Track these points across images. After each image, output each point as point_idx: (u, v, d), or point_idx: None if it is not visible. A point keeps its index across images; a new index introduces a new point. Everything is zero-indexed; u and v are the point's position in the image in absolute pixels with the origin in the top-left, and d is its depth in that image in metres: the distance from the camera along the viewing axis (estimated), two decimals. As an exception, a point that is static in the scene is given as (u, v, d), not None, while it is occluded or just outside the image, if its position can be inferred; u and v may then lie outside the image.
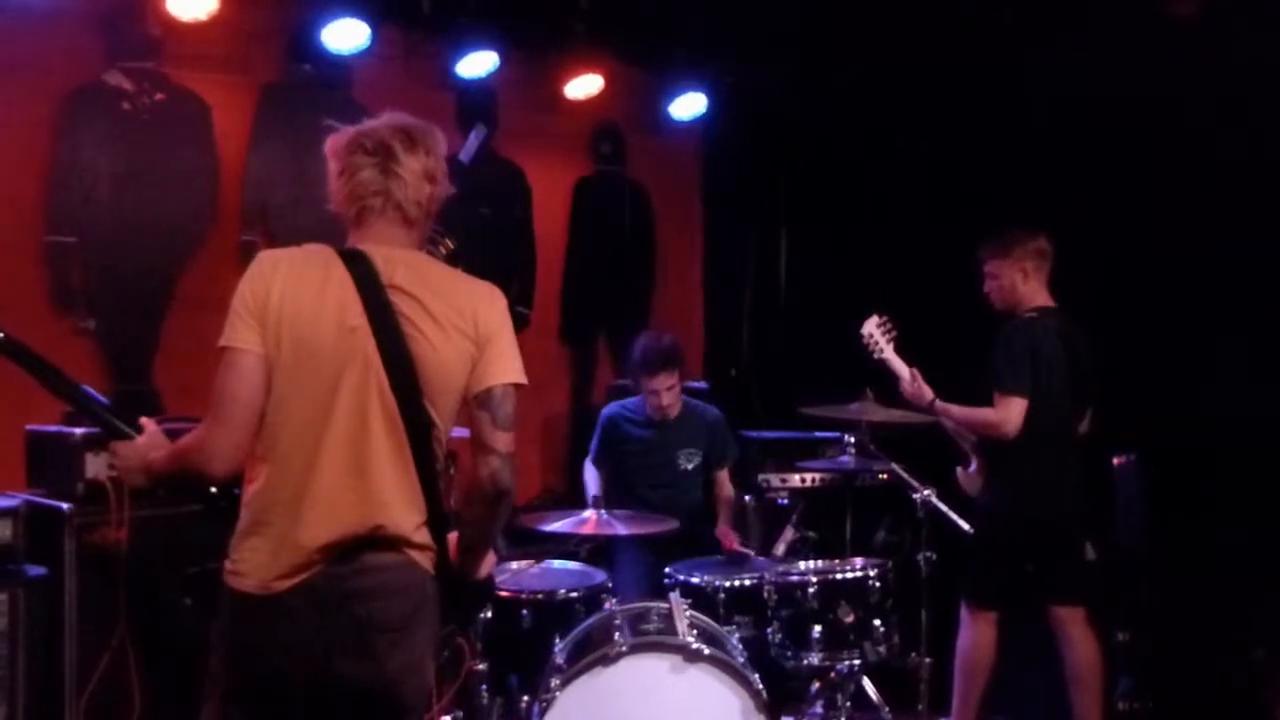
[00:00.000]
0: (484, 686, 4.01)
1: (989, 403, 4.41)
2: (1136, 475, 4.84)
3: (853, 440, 4.85)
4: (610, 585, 4.25)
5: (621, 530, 4.39)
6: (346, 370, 2.49)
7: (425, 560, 2.57)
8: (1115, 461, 4.86)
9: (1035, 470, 4.46)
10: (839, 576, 4.25)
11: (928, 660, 4.53)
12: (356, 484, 2.49)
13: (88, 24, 4.90)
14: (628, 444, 5.21)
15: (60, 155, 4.84)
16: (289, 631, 2.46)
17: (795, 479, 5.60)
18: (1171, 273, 5.08)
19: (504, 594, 4.11)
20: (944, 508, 4.63)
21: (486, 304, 2.62)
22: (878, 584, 4.25)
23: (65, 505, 3.77)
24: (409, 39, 5.76)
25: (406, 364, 2.51)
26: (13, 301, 4.47)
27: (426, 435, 2.55)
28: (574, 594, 4.20)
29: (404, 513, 2.53)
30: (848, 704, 4.28)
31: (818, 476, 5.53)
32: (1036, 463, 4.45)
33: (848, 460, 4.87)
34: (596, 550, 4.72)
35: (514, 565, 4.44)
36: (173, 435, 2.65)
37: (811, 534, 4.67)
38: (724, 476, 5.28)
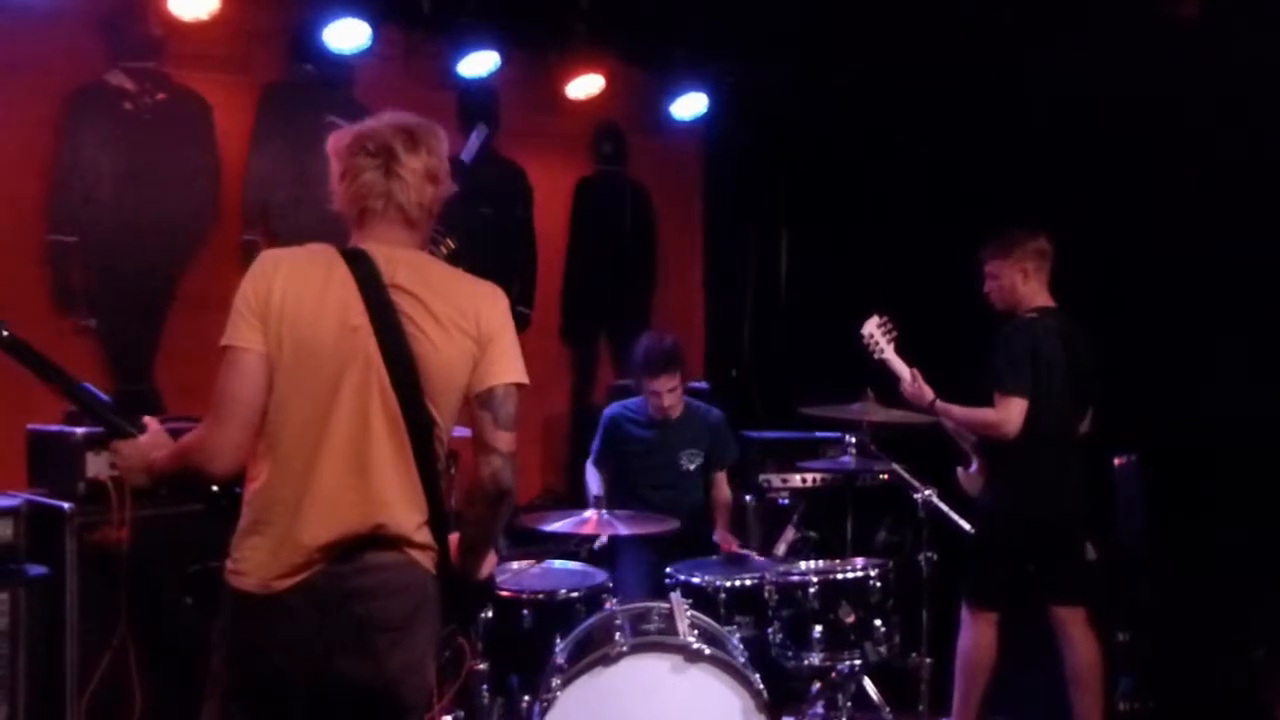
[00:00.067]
0: (485, 686, 4.02)
1: (989, 403, 4.41)
2: (1137, 475, 4.84)
3: (853, 440, 4.85)
4: (611, 585, 4.25)
5: (622, 530, 4.39)
6: (348, 369, 2.49)
7: (426, 560, 2.58)
8: (1116, 462, 4.86)
9: (1035, 470, 4.46)
10: (840, 576, 4.26)
11: (928, 660, 4.53)
12: (357, 483, 2.49)
13: (89, 24, 4.90)
14: (630, 444, 5.21)
15: (62, 155, 4.85)
16: (289, 630, 2.46)
17: (796, 479, 5.61)
18: (1171, 273, 5.08)
19: (505, 594, 4.12)
20: (945, 508, 4.63)
21: (488, 304, 2.62)
22: (878, 584, 4.25)
23: (66, 505, 3.77)
24: (410, 39, 5.76)
25: (408, 363, 2.51)
26: (14, 301, 4.45)
27: (428, 435, 2.55)
28: (575, 594, 4.20)
29: (405, 512, 2.53)
30: (848, 704, 4.28)
31: (818, 477, 5.53)
32: (1037, 463, 4.45)
33: (848, 460, 4.87)
34: (598, 550, 4.72)
35: (515, 565, 4.44)
36: (175, 435, 2.65)
37: (812, 534, 4.68)
38: (722, 478, 5.28)
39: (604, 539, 4.31)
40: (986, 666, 4.56)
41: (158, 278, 5.12)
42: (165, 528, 3.85)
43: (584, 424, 6.30)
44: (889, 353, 4.67)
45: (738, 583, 4.35)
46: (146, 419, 2.72)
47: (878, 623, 4.22)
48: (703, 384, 6.30)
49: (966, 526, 4.60)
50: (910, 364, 4.67)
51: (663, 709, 3.65)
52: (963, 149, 5.82)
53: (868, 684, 4.46)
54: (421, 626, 2.57)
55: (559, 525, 4.40)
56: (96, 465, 3.82)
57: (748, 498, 5.42)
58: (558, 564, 4.59)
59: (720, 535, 4.95)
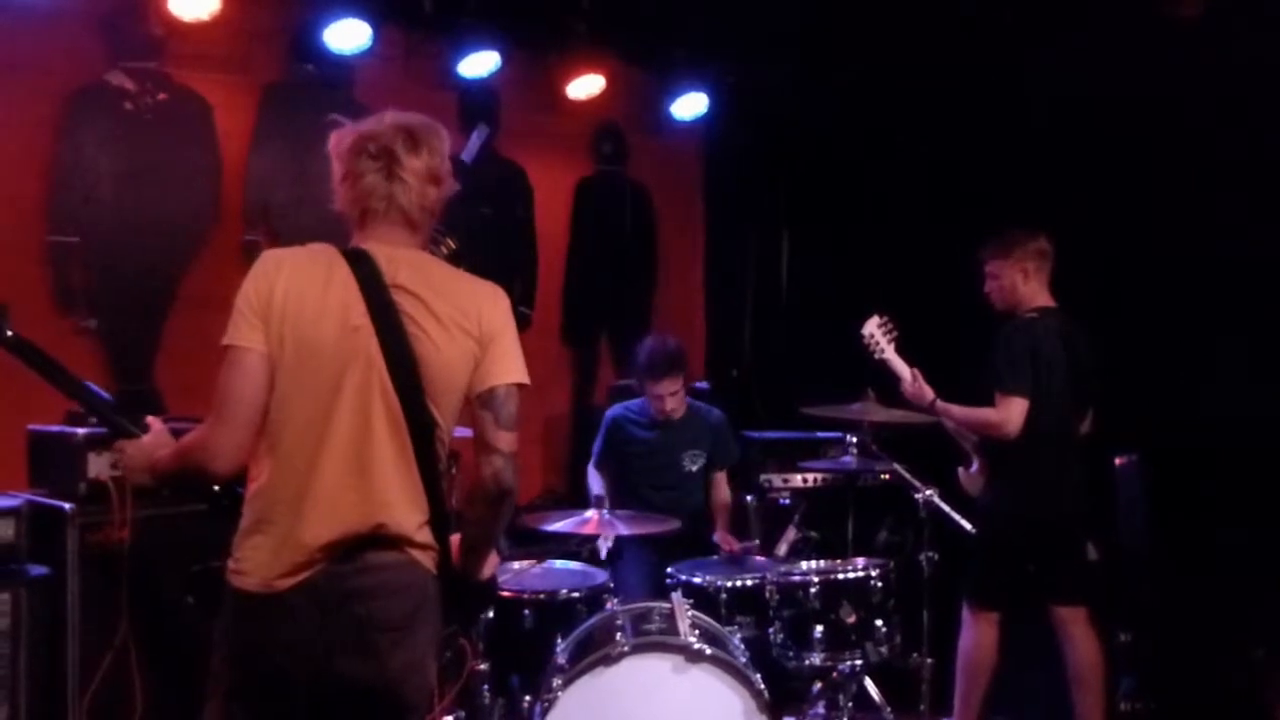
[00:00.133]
0: (486, 686, 4.02)
1: (990, 403, 4.41)
2: (1138, 475, 4.84)
3: (854, 440, 4.86)
4: (612, 585, 4.25)
5: (623, 530, 4.39)
6: (349, 369, 2.49)
7: (427, 560, 2.58)
8: (1117, 462, 4.86)
9: (1036, 470, 4.46)
10: (841, 577, 4.26)
11: (929, 660, 4.54)
12: (358, 483, 2.49)
13: (89, 24, 4.91)
14: (632, 445, 5.22)
15: (62, 155, 4.85)
16: (291, 630, 2.46)
17: (797, 479, 5.61)
18: (1171, 273, 5.08)
19: (506, 594, 4.12)
20: (946, 508, 4.63)
21: (490, 304, 2.62)
22: (879, 584, 4.25)
23: (67, 505, 3.76)
24: (410, 39, 5.77)
25: (409, 363, 2.51)
26: (14, 301, 4.33)
27: (429, 435, 2.55)
28: (576, 594, 4.21)
29: (406, 512, 2.53)
30: (849, 704, 4.29)
31: (819, 477, 5.53)
32: (1037, 463, 4.44)
33: (849, 460, 4.88)
34: (605, 557, 4.69)
35: (516, 565, 4.44)
36: (178, 435, 2.65)
37: (813, 534, 4.68)
38: (721, 479, 5.28)
39: (609, 545, 4.29)
40: (988, 666, 4.55)
41: (158, 278, 5.13)
42: (166, 528, 3.85)
43: (585, 424, 6.30)
44: (889, 353, 4.67)
45: (739, 583, 4.36)
46: (149, 419, 2.73)
47: (879, 623, 4.23)
48: (704, 384, 6.30)
49: (967, 526, 4.61)
50: (911, 364, 4.67)
51: (664, 709, 3.65)
52: (963, 149, 5.82)
53: (869, 684, 4.46)
54: (422, 626, 2.57)
55: (560, 525, 4.40)
56: (98, 465, 3.81)
57: (749, 498, 5.41)
58: (559, 564, 4.59)
59: (721, 536, 4.95)
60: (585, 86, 6.12)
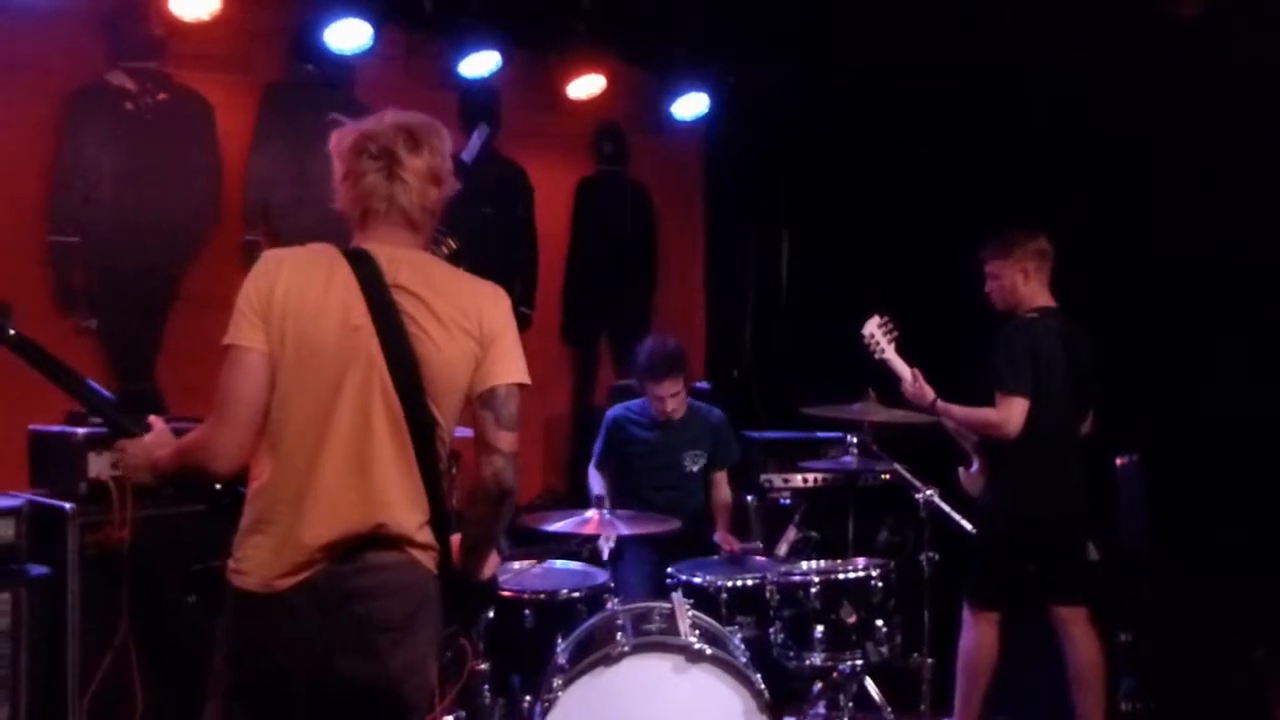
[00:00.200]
0: (486, 686, 4.02)
1: (990, 403, 4.41)
2: (1139, 476, 4.84)
3: (855, 440, 4.86)
4: (612, 585, 4.25)
5: (624, 530, 4.39)
6: (350, 369, 2.50)
7: (428, 560, 2.58)
8: (1118, 462, 4.86)
9: (1036, 470, 4.46)
10: (841, 577, 4.26)
11: (930, 661, 4.53)
12: (359, 483, 2.49)
13: (90, 24, 4.91)
14: (633, 446, 5.22)
15: (63, 155, 4.86)
16: (291, 630, 2.46)
17: (797, 479, 5.61)
18: (1171, 273, 5.08)
19: (506, 594, 4.12)
20: (946, 508, 4.63)
21: (490, 304, 2.62)
22: (880, 584, 4.25)
23: (68, 505, 3.75)
24: (411, 39, 5.77)
25: (410, 363, 2.51)
26: (15, 301, 4.39)
27: (429, 435, 2.55)
28: (576, 594, 4.21)
29: (406, 512, 2.53)
30: (850, 704, 4.29)
31: (820, 477, 5.53)
32: (1037, 463, 4.45)
33: (850, 460, 4.87)
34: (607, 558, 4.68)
35: (516, 565, 4.44)
36: (180, 434, 2.66)
37: (814, 534, 4.68)
38: (722, 479, 5.28)
39: (611, 545, 4.29)
40: (988, 666, 4.55)
41: (159, 278, 5.13)
42: (167, 528, 3.85)
43: (585, 424, 6.30)
44: (890, 353, 4.67)
45: (739, 583, 4.36)
46: (152, 418, 2.74)
47: (879, 623, 4.23)
48: (704, 384, 6.30)
49: (968, 526, 4.61)
50: (911, 364, 4.67)
51: (664, 709, 3.65)
52: (963, 149, 5.82)
53: (869, 684, 4.46)
54: (423, 626, 2.57)
55: (560, 525, 4.40)
56: (98, 465, 3.81)
57: (749, 498, 5.42)
58: (559, 564, 4.59)
59: (721, 536, 4.95)
60: (586, 86, 6.12)
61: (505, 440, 2.58)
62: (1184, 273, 5.05)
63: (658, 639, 3.73)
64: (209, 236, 5.26)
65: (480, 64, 5.67)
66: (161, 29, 5.01)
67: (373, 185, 2.59)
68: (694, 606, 4.00)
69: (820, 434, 5.80)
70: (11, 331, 2.67)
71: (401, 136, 2.60)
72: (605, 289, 6.84)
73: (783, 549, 4.57)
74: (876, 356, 4.69)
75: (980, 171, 5.71)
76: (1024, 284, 4.57)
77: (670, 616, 3.89)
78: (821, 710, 4.35)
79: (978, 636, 4.55)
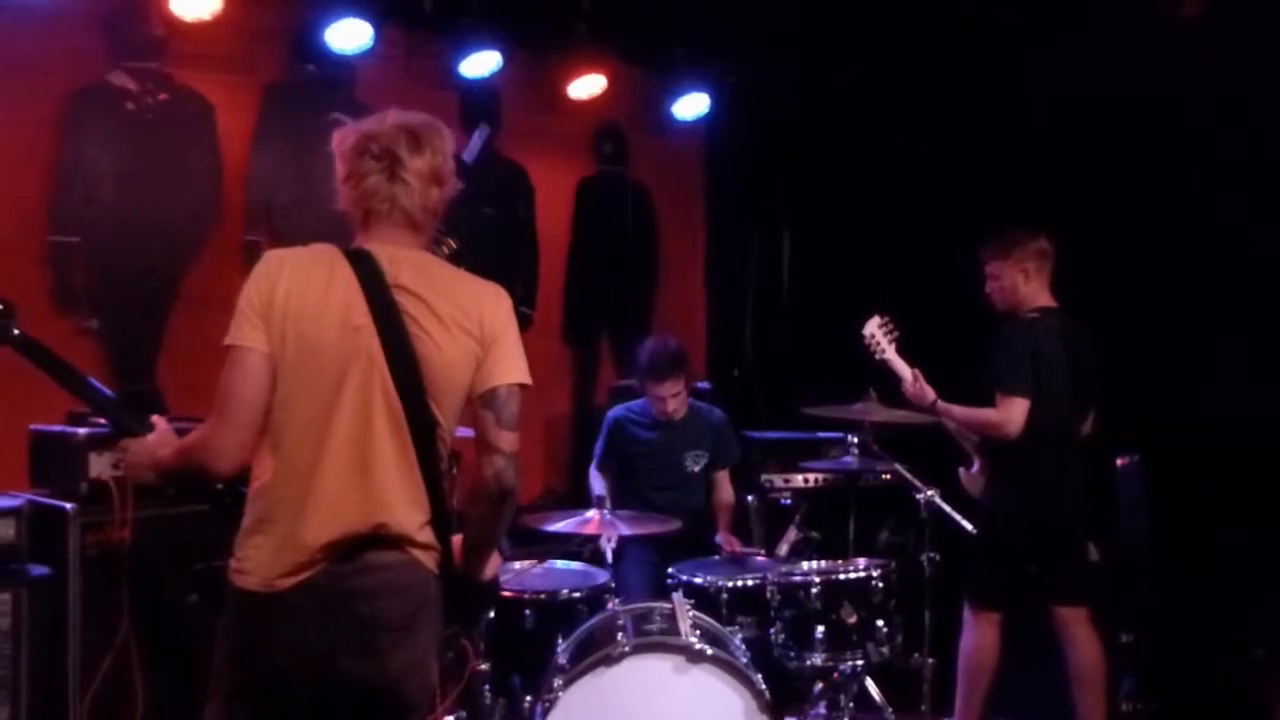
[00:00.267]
0: (487, 687, 4.02)
1: (991, 403, 4.41)
2: (1139, 476, 4.83)
3: (856, 440, 4.85)
4: (613, 585, 4.25)
5: (625, 530, 4.39)
6: (351, 369, 2.50)
7: (429, 560, 2.58)
8: (1119, 462, 4.86)
9: (1036, 471, 4.46)
10: (842, 577, 4.26)
11: (931, 661, 4.53)
12: (360, 483, 2.49)
13: (91, 24, 4.91)
14: (634, 446, 5.22)
15: (64, 155, 4.86)
16: (292, 630, 2.46)
17: (798, 479, 5.61)
18: (1171, 273, 5.08)
19: (507, 594, 4.12)
20: (947, 508, 4.63)
21: (492, 304, 2.62)
22: (881, 584, 4.25)
23: (68, 505, 3.76)
24: (412, 39, 5.77)
25: (411, 363, 2.52)
26: (16, 301, 4.46)
27: (430, 435, 2.55)
28: (577, 594, 4.21)
29: (407, 512, 2.53)
30: (851, 705, 4.29)
31: (821, 477, 5.53)
32: (1038, 463, 4.44)
33: (851, 460, 4.87)
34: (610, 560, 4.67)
35: (517, 565, 4.44)
36: (182, 434, 2.66)
37: (814, 534, 4.68)
38: (724, 478, 5.28)
39: (613, 545, 4.30)
40: (989, 667, 4.55)
41: (160, 278, 5.13)
42: (167, 528, 3.86)
43: (586, 424, 6.30)
44: (890, 353, 4.66)
45: (740, 583, 4.36)
46: (155, 418, 2.74)
47: (880, 623, 4.23)
48: (705, 384, 6.30)
49: (969, 527, 4.61)
50: (911, 364, 4.66)
51: (665, 709, 3.65)
52: (963, 149, 5.82)
53: (870, 684, 4.46)
54: (424, 626, 2.57)
55: (561, 525, 4.40)
56: (99, 465, 3.81)
57: (750, 498, 5.42)
58: (560, 564, 4.59)
59: (723, 537, 4.94)
60: (586, 86, 6.12)
61: (506, 440, 2.58)
62: (1184, 273, 5.04)
63: (658, 639, 3.73)
64: (210, 237, 5.26)
65: (481, 64, 5.67)
66: (162, 29, 5.01)
67: (374, 186, 2.59)
68: (695, 607, 4.00)
69: (821, 434, 5.79)
70: (16, 331, 2.68)
71: (403, 137, 2.60)
72: (606, 289, 6.84)
73: (783, 549, 4.57)
74: (877, 357, 4.69)
75: (980, 171, 5.71)
76: (1024, 284, 4.57)
77: (671, 617, 3.89)
78: (822, 710, 4.35)
79: (979, 637, 4.55)
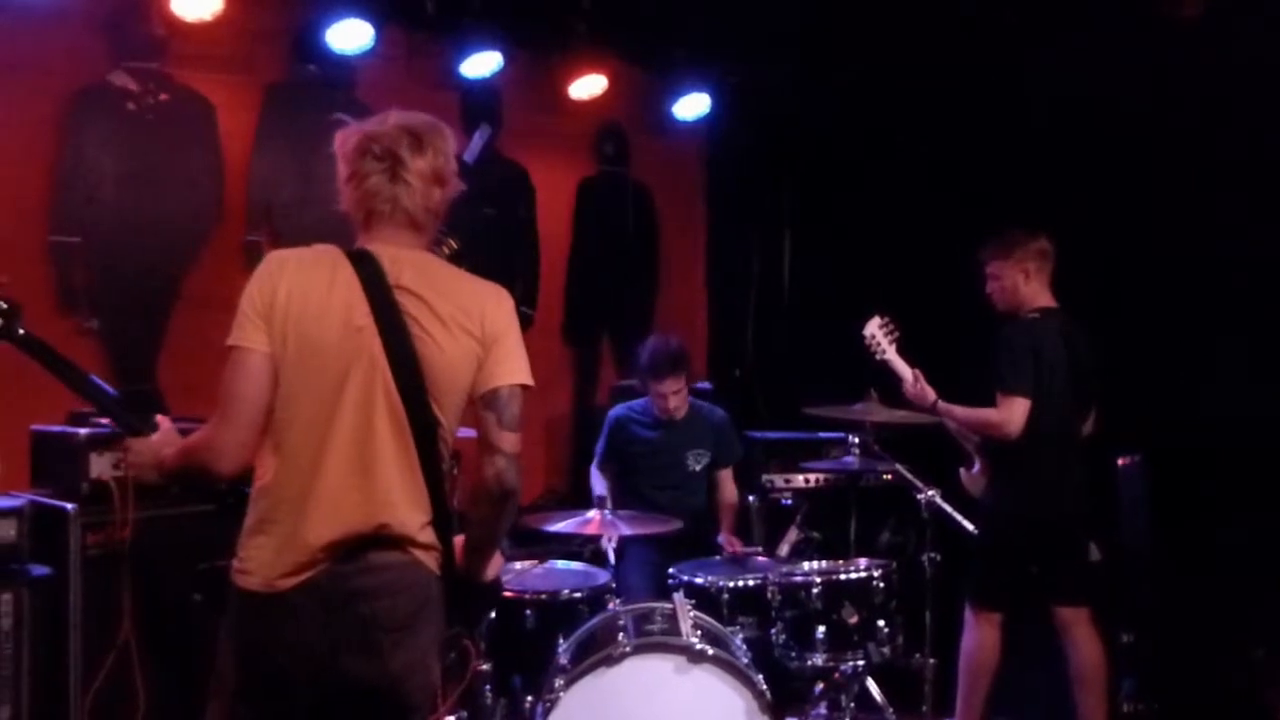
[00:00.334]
0: (488, 687, 4.02)
1: (992, 403, 4.41)
2: (1140, 476, 4.84)
3: (857, 441, 4.85)
4: (614, 585, 4.25)
5: (626, 530, 4.39)
6: (352, 369, 2.50)
7: (430, 560, 2.58)
8: (1120, 462, 4.86)
9: (1037, 471, 4.46)
10: (843, 577, 4.26)
11: (932, 661, 4.53)
12: (361, 483, 2.50)
13: (92, 24, 4.91)
14: (635, 445, 5.22)
15: (64, 155, 4.86)
16: (294, 630, 2.46)
17: (799, 479, 5.61)
18: (1171, 273, 5.08)
19: (508, 594, 4.12)
20: (948, 508, 4.63)
21: (493, 305, 2.63)
22: (882, 585, 4.25)
23: (69, 505, 3.77)
24: (413, 39, 5.78)
25: (412, 364, 2.52)
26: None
27: (432, 435, 2.55)
28: (578, 594, 4.21)
29: (408, 512, 2.53)
30: (852, 705, 4.29)
31: (822, 477, 5.53)
32: (1038, 463, 4.45)
33: (852, 461, 4.87)
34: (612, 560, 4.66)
35: (518, 565, 4.44)
36: (186, 434, 2.67)
37: (815, 534, 4.68)
38: (727, 477, 5.28)
39: (614, 545, 4.30)
40: (990, 667, 4.55)
41: (160, 278, 5.13)
42: (168, 528, 3.86)
43: (587, 424, 6.30)
44: (891, 353, 4.66)
45: (741, 583, 4.36)
46: (159, 417, 2.76)
47: (881, 623, 4.22)
48: (706, 384, 6.30)
49: (970, 527, 4.61)
50: (912, 364, 4.66)
51: (666, 710, 3.65)
52: (963, 149, 5.82)
53: (871, 685, 4.46)
54: (425, 626, 2.57)
55: (562, 526, 4.40)
56: (100, 465, 3.82)
57: (751, 498, 5.42)
58: (561, 564, 4.59)
59: (725, 538, 4.94)
60: (587, 87, 6.13)
61: (508, 441, 2.58)
62: (1184, 273, 5.04)
63: (659, 639, 3.73)
64: (210, 237, 5.26)
65: (482, 64, 5.67)
66: (163, 29, 5.01)
67: (376, 186, 2.60)
68: (696, 607, 4.00)
69: (822, 434, 5.79)
70: (21, 331, 2.69)
71: (405, 138, 2.60)
72: (607, 289, 6.84)
73: (784, 549, 4.57)
74: (878, 357, 4.68)
75: (980, 171, 5.71)
76: (1025, 284, 4.57)
77: (672, 617, 3.89)
78: (823, 711, 4.35)
79: (980, 637, 4.55)
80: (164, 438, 2.71)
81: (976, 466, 4.73)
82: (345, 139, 2.64)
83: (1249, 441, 4.70)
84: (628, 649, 3.63)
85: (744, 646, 4.01)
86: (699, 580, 4.39)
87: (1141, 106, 5.09)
